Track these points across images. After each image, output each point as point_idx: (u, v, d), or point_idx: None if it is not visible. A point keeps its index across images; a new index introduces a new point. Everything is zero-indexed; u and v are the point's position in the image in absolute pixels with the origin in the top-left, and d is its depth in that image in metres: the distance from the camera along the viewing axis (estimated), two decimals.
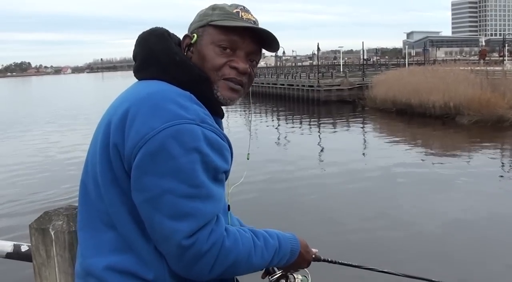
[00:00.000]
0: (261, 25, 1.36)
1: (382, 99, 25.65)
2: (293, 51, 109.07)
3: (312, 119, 26.79)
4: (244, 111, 25.11)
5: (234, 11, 1.32)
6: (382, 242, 7.51)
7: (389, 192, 10.49)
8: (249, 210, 7.97)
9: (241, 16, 1.32)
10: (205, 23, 1.32)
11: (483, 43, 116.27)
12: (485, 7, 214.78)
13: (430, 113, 21.74)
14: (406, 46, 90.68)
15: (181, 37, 1.38)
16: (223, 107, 1.36)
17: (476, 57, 64.07)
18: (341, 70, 44.58)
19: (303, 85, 35.17)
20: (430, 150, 15.99)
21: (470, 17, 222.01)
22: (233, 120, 22.59)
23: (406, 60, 49.99)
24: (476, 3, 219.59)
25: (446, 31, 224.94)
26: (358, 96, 29.83)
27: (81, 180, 1.32)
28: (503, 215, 8.78)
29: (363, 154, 15.63)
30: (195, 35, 1.33)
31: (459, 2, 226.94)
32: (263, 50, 1.38)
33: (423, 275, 1.70)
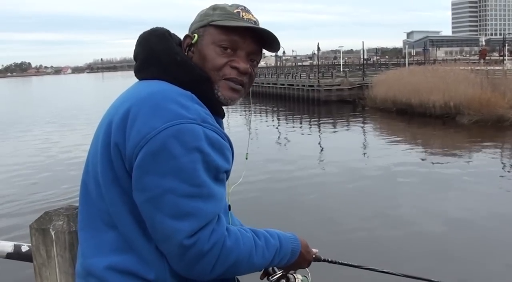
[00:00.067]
0: (262, 25, 1.36)
1: (382, 99, 25.65)
2: (293, 51, 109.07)
3: (312, 119, 26.79)
4: (245, 111, 25.11)
5: (235, 11, 1.32)
6: (382, 242, 7.51)
7: (389, 191, 10.49)
8: (249, 210, 7.97)
9: (242, 16, 1.32)
10: (206, 23, 1.32)
11: (483, 43, 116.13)
12: (485, 6, 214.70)
13: (430, 113, 21.74)
14: (406, 46, 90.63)
15: (181, 37, 1.38)
16: (223, 107, 1.36)
17: (476, 57, 64.07)
18: (341, 70, 44.60)
19: (303, 85, 35.18)
20: (430, 150, 15.99)
21: (470, 16, 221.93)
22: (233, 120, 22.59)
23: (406, 60, 50.00)
24: (476, 2, 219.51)
25: (446, 31, 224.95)
26: (358, 96, 29.84)
27: (81, 179, 1.32)
28: (503, 214, 8.78)
29: (363, 153, 15.63)
30: (196, 35, 1.33)
31: (459, 2, 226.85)
32: (263, 50, 1.38)
33: (423, 275, 1.70)
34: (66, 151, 16.69)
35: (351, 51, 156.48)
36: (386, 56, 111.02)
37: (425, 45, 71.37)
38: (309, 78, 38.15)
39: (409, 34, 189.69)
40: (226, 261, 1.17)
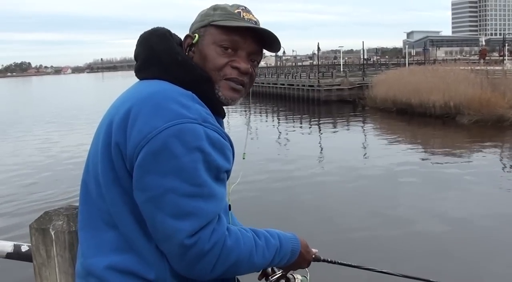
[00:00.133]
0: (262, 25, 1.36)
1: (382, 99, 25.66)
2: (293, 51, 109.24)
3: (312, 119, 26.80)
4: (245, 111, 25.11)
5: (236, 11, 1.32)
6: (382, 242, 7.51)
7: (389, 191, 10.49)
8: (249, 210, 7.98)
9: (243, 16, 1.32)
10: (206, 23, 1.32)
11: (483, 43, 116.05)
12: (485, 6, 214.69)
13: (430, 113, 21.75)
14: (406, 46, 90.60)
15: (182, 37, 1.38)
16: (224, 107, 1.36)
17: (476, 57, 64.08)
18: (341, 70, 44.59)
19: (303, 85, 35.20)
20: (430, 150, 15.99)
21: (470, 16, 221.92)
22: (234, 120, 22.59)
23: (406, 60, 50.00)
24: (476, 2, 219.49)
25: (446, 31, 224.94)
26: (358, 96, 29.85)
27: (82, 179, 1.32)
28: (503, 214, 8.78)
29: (363, 153, 15.63)
30: (197, 35, 1.33)
31: (459, 2, 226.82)
32: (263, 50, 1.38)
33: (423, 275, 1.70)
34: (66, 151, 16.69)
35: (351, 51, 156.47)
36: (386, 56, 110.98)
37: (425, 45, 71.39)
38: (309, 78, 38.16)
39: (409, 34, 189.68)
40: (227, 260, 1.17)
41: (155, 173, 1.13)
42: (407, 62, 47.23)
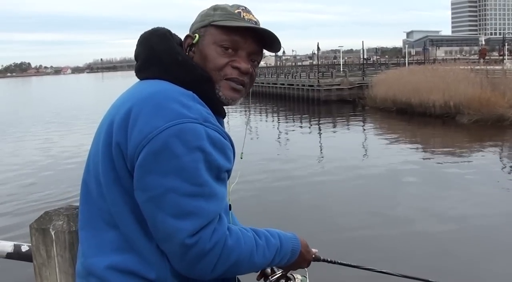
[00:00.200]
0: (262, 25, 1.36)
1: (382, 98, 25.66)
2: (293, 50, 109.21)
3: (312, 119, 26.80)
4: (245, 111, 25.11)
5: (236, 11, 1.33)
6: (382, 241, 7.51)
7: (389, 191, 10.49)
8: (249, 209, 7.99)
9: (243, 16, 1.32)
10: (207, 23, 1.32)
11: (483, 42, 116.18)
12: (485, 6, 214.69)
13: (430, 112, 21.75)
14: (406, 46, 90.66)
15: (181, 37, 1.38)
16: (224, 107, 1.36)
17: (476, 57, 64.07)
18: (341, 69, 44.59)
19: (303, 85, 35.20)
20: (430, 149, 16.00)
21: (470, 16, 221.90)
22: (234, 120, 22.60)
23: (406, 59, 50.02)
24: (475, 2, 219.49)
25: (446, 31, 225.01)
26: (358, 95, 29.86)
27: (82, 179, 1.32)
28: (504, 214, 8.78)
29: (363, 153, 15.63)
30: (197, 35, 1.33)
31: (459, 2, 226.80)
32: (263, 50, 1.39)
33: (423, 275, 1.71)
34: (66, 151, 16.69)
35: (351, 51, 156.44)
36: (386, 56, 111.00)
37: (425, 45, 71.50)
38: (309, 78, 38.18)
39: (409, 34, 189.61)
40: (228, 260, 1.18)
41: (156, 173, 1.13)
42: (407, 62, 47.24)
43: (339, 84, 32.78)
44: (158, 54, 1.29)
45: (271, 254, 1.29)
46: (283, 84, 39.24)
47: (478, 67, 28.08)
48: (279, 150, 16.76)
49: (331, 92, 31.94)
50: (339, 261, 1.58)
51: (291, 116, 28.59)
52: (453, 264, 6.63)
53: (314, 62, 61.55)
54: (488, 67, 28.06)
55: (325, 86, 32.39)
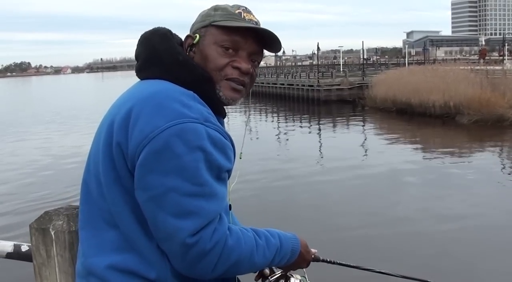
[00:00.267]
0: (262, 25, 1.36)
1: (382, 98, 25.66)
2: (293, 51, 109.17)
3: (312, 119, 26.80)
4: (245, 111, 25.11)
5: (236, 11, 1.33)
6: (382, 241, 7.51)
7: (389, 191, 10.50)
8: (248, 209, 7.99)
9: (243, 16, 1.33)
10: (207, 24, 1.33)
11: (483, 43, 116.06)
12: (485, 6, 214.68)
13: (430, 112, 21.75)
14: (406, 46, 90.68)
15: (182, 37, 1.38)
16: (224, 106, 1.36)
17: (476, 57, 64.06)
18: (341, 69, 44.59)
19: (303, 85, 35.21)
20: (430, 149, 16.00)
21: (470, 16, 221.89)
22: (233, 120, 22.60)
23: (406, 59, 50.03)
24: (475, 2, 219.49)
25: (446, 31, 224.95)
26: (358, 95, 29.86)
27: (83, 179, 1.32)
28: (503, 214, 8.79)
29: (363, 153, 15.63)
30: (198, 36, 1.33)
31: (459, 2, 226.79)
32: (263, 50, 1.39)
33: (422, 275, 1.71)
34: (66, 151, 16.70)
35: (351, 51, 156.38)
36: (386, 56, 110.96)
37: (425, 45, 71.50)
38: (309, 78, 38.18)
39: (409, 34, 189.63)
40: (228, 260, 1.18)
41: (157, 172, 1.13)
42: (407, 62, 47.25)
43: (339, 84, 32.79)
44: (159, 54, 1.29)
45: (271, 254, 1.29)
46: (283, 84, 39.25)
47: (478, 67, 28.10)
48: (279, 149, 16.76)
49: (331, 92, 31.94)
50: (339, 262, 1.58)
51: (291, 116, 28.59)
52: (453, 264, 6.63)
53: (314, 62, 61.53)
54: (488, 67, 28.08)
55: (325, 86, 32.39)
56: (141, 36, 1.35)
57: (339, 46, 56.18)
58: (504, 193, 10.44)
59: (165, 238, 1.16)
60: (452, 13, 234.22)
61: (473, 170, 12.33)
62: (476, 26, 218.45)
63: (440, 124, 20.31)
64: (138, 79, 1.35)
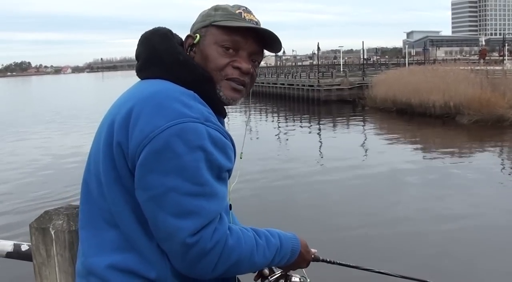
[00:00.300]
0: (263, 25, 1.37)
1: (382, 98, 25.66)
2: (293, 50, 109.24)
3: (312, 119, 26.80)
4: (245, 111, 25.12)
5: (237, 11, 1.33)
6: (382, 242, 7.51)
7: (389, 191, 10.50)
8: (248, 209, 7.99)
9: (244, 17, 1.33)
10: (208, 24, 1.33)
11: (483, 43, 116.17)
12: (485, 6, 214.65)
13: (430, 113, 21.75)
14: (406, 46, 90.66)
15: (182, 37, 1.38)
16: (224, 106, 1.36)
17: (476, 57, 64.05)
18: (341, 69, 44.57)
19: (303, 85, 35.20)
20: (430, 150, 16.00)
21: (470, 16, 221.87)
22: (233, 120, 22.59)
23: (406, 59, 49.99)
24: (476, 2, 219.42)
25: (446, 31, 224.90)
26: (358, 96, 29.85)
27: (83, 178, 1.32)
28: (504, 214, 8.79)
29: (363, 153, 15.63)
30: (198, 35, 1.33)
31: (459, 2, 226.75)
32: (264, 50, 1.39)
33: (422, 275, 1.71)
34: (66, 150, 16.70)
35: (351, 51, 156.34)
36: (386, 56, 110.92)
37: (425, 45, 71.45)
38: (309, 78, 38.17)
39: (409, 34, 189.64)
40: (228, 259, 1.18)
41: (157, 172, 1.13)
42: (407, 62, 47.22)
43: (339, 84, 32.78)
44: (159, 54, 1.29)
45: (271, 254, 1.29)
46: (283, 84, 39.24)
47: (478, 67, 28.11)
48: (279, 149, 16.76)
49: (331, 92, 31.94)
50: (338, 261, 1.59)
51: (291, 116, 28.59)
52: (453, 264, 6.63)
53: (314, 62, 61.52)
54: (488, 67, 28.08)
55: (325, 86, 32.38)
56: (141, 36, 1.35)
57: (339, 46, 56.13)
58: (504, 193, 10.44)
59: (166, 237, 1.16)
60: (452, 13, 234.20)
61: (473, 170, 12.33)
62: (476, 26, 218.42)
63: (440, 125, 20.31)
64: (139, 79, 1.35)
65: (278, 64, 58.45)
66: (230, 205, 1.35)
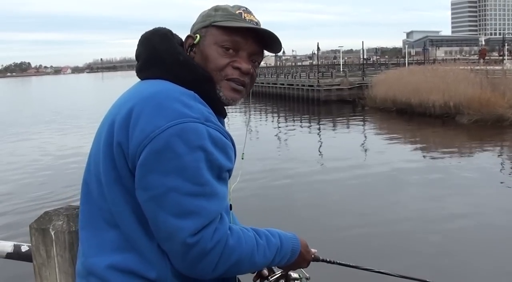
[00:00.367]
0: (263, 25, 1.37)
1: (382, 98, 25.66)
2: (293, 51, 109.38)
3: (312, 119, 26.80)
4: (245, 111, 25.13)
5: (237, 12, 1.33)
6: (382, 242, 7.51)
7: (389, 191, 10.49)
8: (248, 209, 7.99)
9: (244, 17, 1.33)
10: (208, 24, 1.33)
11: (483, 43, 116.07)
12: (485, 6, 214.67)
13: (430, 112, 21.75)
14: (406, 46, 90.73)
15: (182, 37, 1.38)
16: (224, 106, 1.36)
17: (476, 57, 64.07)
18: (341, 69, 44.60)
19: (303, 85, 35.20)
20: (429, 149, 16.00)
21: (469, 16, 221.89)
22: (233, 120, 22.60)
23: (406, 59, 50.05)
24: (475, 2, 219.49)
25: (446, 31, 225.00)
26: (358, 96, 29.85)
27: (83, 179, 1.32)
28: (504, 214, 8.79)
29: (363, 153, 15.64)
30: (198, 36, 1.33)
31: (459, 2, 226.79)
32: (264, 51, 1.39)
33: (422, 275, 1.71)
34: (66, 151, 16.69)
35: (351, 51, 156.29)
36: (386, 56, 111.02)
37: (424, 45, 71.52)
38: (309, 78, 38.17)
39: (408, 34, 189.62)
40: (229, 259, 1.18)
41: (158, 172, 1.13)
42: (406, 62, 47.27)
43: (339, 85, 32.78)
44: (159, 54, 1.29)
45: (272, 254, 1.29)
46: (283, 84, 39.24)
47: (478, 67, 28.10)
48: (279, 149, 16.77)
49: (331, 92, 31.94)
50: (338, 261, 1.59)
51: (291, 116, 28.59)
52: (453, 264, 6.64)
53: (314, 62, 61.54)
54: (488, 67, 28.09)
55: (325, 87, 32.38)
56: (141, 36, 1.35)
57: (339, 46, 56.18)
58: (504, 193, 10.44)
59: (166, 237, 1.16)
60: (452, 13, 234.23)
61: (473, 170, 12.33)
62: (476, 26, 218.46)
63: (440, 124, 20.31)
64: (138, 79, 1.35)
65: (278, 64, 58.47)
66: (231, 205, 1.35)
